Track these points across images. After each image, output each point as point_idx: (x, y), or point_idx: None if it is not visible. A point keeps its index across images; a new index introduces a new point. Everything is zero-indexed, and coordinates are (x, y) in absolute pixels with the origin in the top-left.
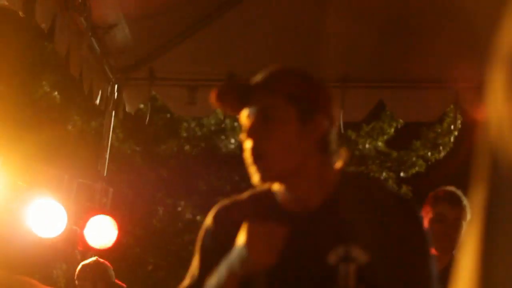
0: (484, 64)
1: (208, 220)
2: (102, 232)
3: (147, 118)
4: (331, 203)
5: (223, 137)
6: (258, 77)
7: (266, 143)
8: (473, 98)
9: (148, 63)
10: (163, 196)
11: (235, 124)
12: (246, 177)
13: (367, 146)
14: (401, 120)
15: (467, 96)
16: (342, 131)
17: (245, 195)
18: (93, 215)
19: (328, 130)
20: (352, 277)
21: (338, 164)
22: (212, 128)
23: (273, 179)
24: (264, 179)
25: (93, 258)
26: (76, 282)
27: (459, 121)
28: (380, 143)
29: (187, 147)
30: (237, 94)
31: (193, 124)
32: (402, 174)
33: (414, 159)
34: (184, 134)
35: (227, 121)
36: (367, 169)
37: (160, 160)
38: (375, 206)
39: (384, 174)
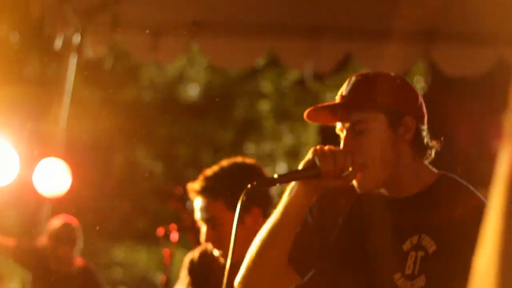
0: (459, 19)
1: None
2: (55, 177)
3: (110, 64)
4: (420, 198)
5: (184, 85)
6: (343, 91)
7: (362, 156)
8: (446, 53)
9: (112, 8)
10: (121, 144)
11: (199, 73)
12: (207, 126)
13: (330, 97)
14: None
15: (439, 51)
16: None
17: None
18: (44, 158)
19: (418, 128)
20: (418, 264)
21: (434, 168)
22: (173, 76)
23: (374, 188)
24: (365, 189)
25: (62, 220)
26: (50, 243)
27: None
28: None
29: (147, 95)
30: (327, 114)
31: (154, 72)
32: None
33: None
34: (144, 82)
35: (190, 70)
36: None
37: (119, 107)
38: (454, 206)
39: None
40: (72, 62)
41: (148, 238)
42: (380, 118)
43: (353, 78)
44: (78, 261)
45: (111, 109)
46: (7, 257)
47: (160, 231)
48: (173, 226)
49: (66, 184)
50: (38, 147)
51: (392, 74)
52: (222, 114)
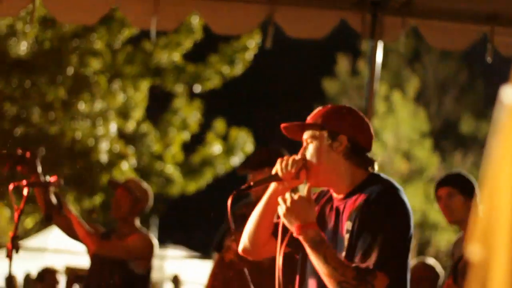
0: None
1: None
2: None
3: None
4: (351, 194)
5: (14, 40)
6: (311, 114)
7: (307, 161)
8: (291, 17)
9: None
10: None
11: (27, 28)
12: (37, 83)
13: (163, 59)
14: (197, 35)
15: (283, 13)
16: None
17: None
18: None
19: (351, 146)
20: (347, 243)
21: (371, 169)
22: (2, 30)
23: (315, 184)
24: (311, 184)
25: None
26: None
27: (269, 38)
28: (176, 56)
29: None
30: (295, 129)
31: None
32: (197, 88)
33: (210, 73)
34: None
35: (19, 24)
36: (163, 82)
37: None
38: (369, 198)
39: (180, 87)
40: None
41: None
42: (322, 135)
43: (317, 108)
44: None
45: None
46: None
47: (11, 186)
48: (23, 182)
49: None
50: None
51: (346, 106)
52: (53, 71)
